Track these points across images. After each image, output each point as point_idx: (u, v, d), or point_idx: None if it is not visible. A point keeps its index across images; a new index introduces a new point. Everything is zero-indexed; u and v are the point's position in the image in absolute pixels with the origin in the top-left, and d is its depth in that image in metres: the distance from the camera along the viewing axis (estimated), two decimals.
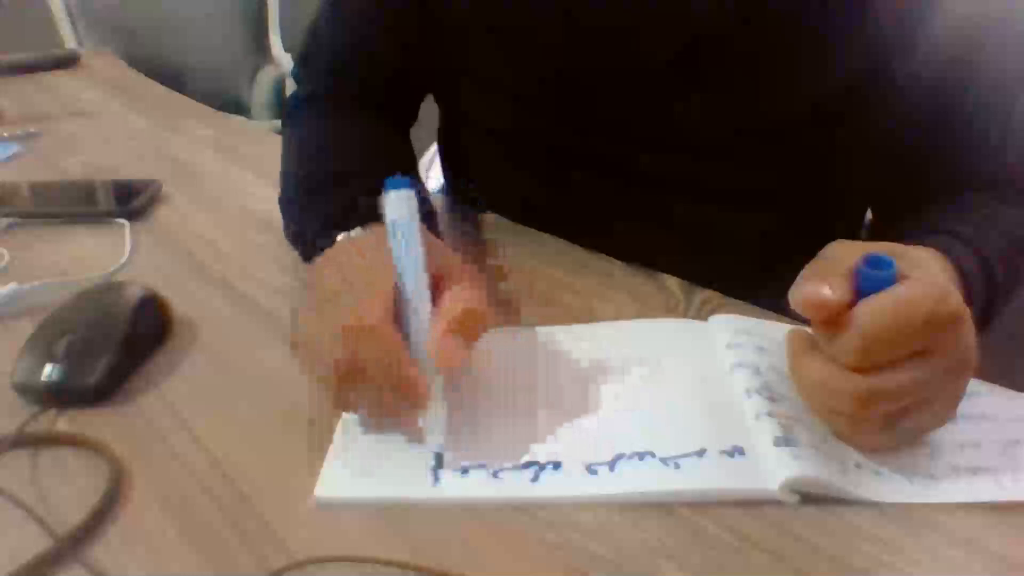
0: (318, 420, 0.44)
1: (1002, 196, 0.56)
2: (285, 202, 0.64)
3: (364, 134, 0.67)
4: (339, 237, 0.50)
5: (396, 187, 0.43)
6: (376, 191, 0.44)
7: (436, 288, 0.43)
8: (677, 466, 0.40)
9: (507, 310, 0.56)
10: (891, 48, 0.55)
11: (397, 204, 0.43)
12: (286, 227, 0.63)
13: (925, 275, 0.39)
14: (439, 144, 0.85)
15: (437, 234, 0.57)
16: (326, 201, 0.57)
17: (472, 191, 0.74)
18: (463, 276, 0.44)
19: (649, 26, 0.58)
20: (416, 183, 0.63)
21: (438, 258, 0.45)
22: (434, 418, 0.41)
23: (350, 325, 0.40)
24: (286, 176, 0.65)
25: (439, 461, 0.41)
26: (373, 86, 0.71)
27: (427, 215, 0.60)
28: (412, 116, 0.75)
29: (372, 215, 0.47)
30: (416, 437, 0.42)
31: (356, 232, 0.49)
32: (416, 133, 0.75)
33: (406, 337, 0.42)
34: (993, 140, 0.57)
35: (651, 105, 0.61)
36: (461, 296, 0.43)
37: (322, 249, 0.49)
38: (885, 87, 0.57)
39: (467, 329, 0.42)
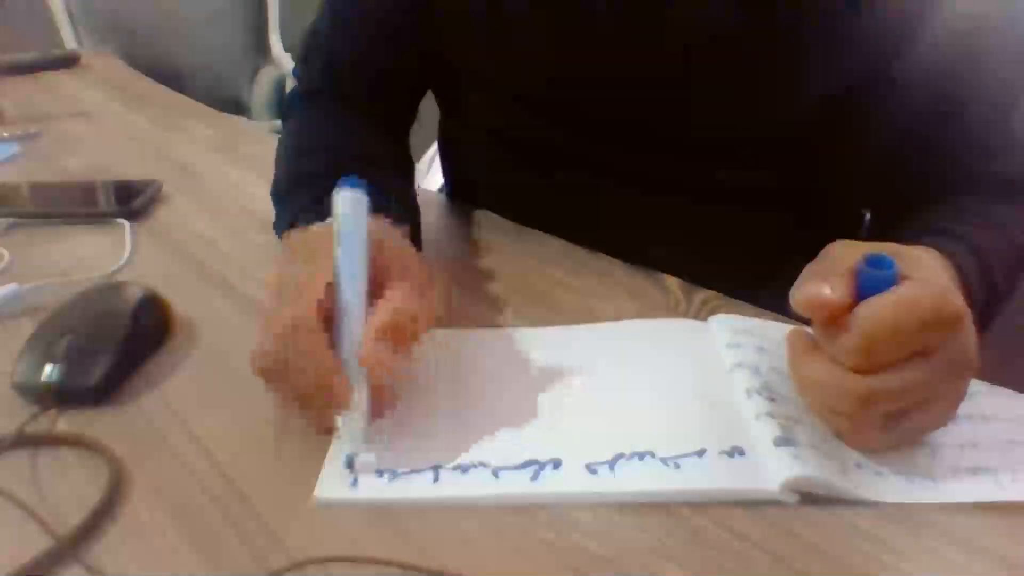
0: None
1: (1002, 198, 0.56)
2: (272, 195, 0.64)
3: (351, 133, 0.68)
4: (308, 229, 0.49)
5: (348, 186, 0.43)
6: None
7: (380, 289, 0.43)
8: (677, 466, 0.40)
9: (497, 311, 0.56)
10: (892, 50, 0.55)
11: (343, 203, 0.43)
12: (273, 223, 0.64)
13: (927, 275, 0.39)
14: (439, 144, 0.85)
15: (416, 235, 0.57)
16: (298, 196, 0.58)
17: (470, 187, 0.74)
18: (405, 279, 0.43)
19: (650, 27, 0.58)
20: (403, 183, 0.62)
21: (389, 260, 0.44)
22: (352, 422, 0.41)
23: (278, 320, 0.40)
24: (276, 170, 0.65)
25: (349, 463, 0.41)
26: (370, 85, 0.71)
27: (411, 215, 0.60)
28: (411, 116, 0.75)
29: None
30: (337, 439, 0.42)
31: (313, 227, 0.49)
32: (416, 133, 0.75)
33: (338, 337, 0.42)
34: (994, 142, 0.57)
35: (652, 106, 0.61)
36: (395, 301, 0.42)
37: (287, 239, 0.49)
38: (884, 89, 0.57)
39: (397, 335, 0.41)
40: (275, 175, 0.65)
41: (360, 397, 0.41)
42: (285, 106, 0.74)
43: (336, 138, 0.67)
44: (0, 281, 0.58)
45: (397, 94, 0.72)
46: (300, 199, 0.57)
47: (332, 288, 0.42)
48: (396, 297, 0.42)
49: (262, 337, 0.41)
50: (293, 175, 0.62)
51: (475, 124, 0.74)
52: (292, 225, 0.52)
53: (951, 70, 0.55)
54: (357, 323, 0.42)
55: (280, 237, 0.59)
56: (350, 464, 0.41)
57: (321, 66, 0.71)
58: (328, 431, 0.42)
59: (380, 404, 0.42)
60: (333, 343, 0.41)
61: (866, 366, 0.37)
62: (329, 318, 0.42)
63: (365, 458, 0.41)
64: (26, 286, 0.57)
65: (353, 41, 0.70)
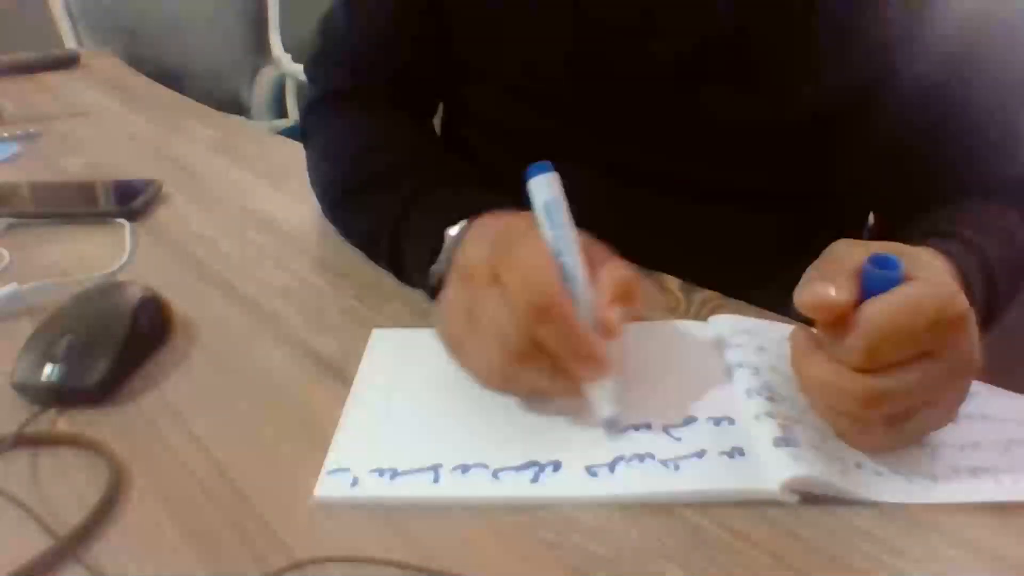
0: (318, 420, 0.44)
1: (1004, 200, 0.56)
2: (335, 205, 0.64)
3: (396, 128, 0.68)
4: (450, 231, 0.51)
5: (541, 171, 0.44)
6: (430, 181, 0.48)
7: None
8: (677, 467, 0.40)
9: None
10: (896, 51, 0.55)
11: (546, 186, 0.44)
12: (345, 231, 0.64)
13: (931, 276, 0.39)
14: (443, 142, 0.84)
15: None
16: (389, 195, 0.58)
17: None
18: (606, 254, 0.45)
19: (656, 26, 0.58)
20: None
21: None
22: (610, 386, 0.43)
23: (533, 305, 0.40)
24: (331, 180, 0.65)
25: (615, 426, 0.42)
26: (389, 82, 0.70)
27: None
28: (431, 109, 0.75)
29: (455, 205, 0.49)
30: (592, 407, 0.43)
31: (462, 224, 0.50)
32: None
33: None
34: (997, 144, 0.57)
35: (656, 105, 0.61)
36: (619, 270, 0.44)
37: (398, 241, 0.52)
38: (889, 90, 0.57)
39: (628, 297, 0.43)
40: (330, 186, 0.65)
41: (612, 360, 0.42)
42: (304, 111, 0.73)
43: (388, 135, 0.67)
44: (0, 281, 0.58)
45: (417, 88, 0.72)
46: (388, 198, 0.58)
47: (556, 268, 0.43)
48: (614, 266, 0.44)
49: (507, 326, 0.41)
50: (363, 177, 0.62)
51: (478, 120, 0.74)
52: (386, 225, 0.55)
53: (957, 72, 0.55)
54: (587, 292, 0.43)
55: (371, 243, 0.61)
56: (611, 425, 0.42)
57: (340, 65, 0.71)
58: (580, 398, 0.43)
59: (620, 363, 0.44)
60: None
61: (870, 366, 0.37)
62: None
63: (618, 416, 0.43)
64: (26, 286, 0.57)
65: (368, 38, 0.69)
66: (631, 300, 0.44)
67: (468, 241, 0.48)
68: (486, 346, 0.42)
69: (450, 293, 0.45)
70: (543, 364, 0.42)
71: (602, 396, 0.43)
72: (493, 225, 0.47)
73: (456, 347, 0.45)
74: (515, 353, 0.41)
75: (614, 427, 0.43)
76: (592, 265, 0.44)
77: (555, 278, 0.41)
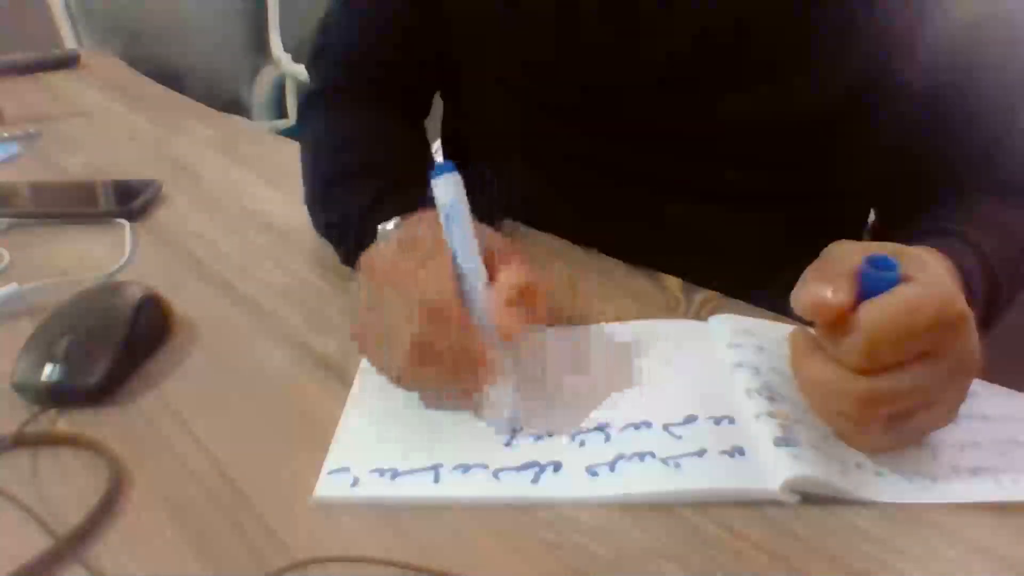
0: (318, 420, 0.44)
1: (1006, 199, 0.56)
2: (312, 198, 0.64)
3: (381, 126, 0.68)
4: (386, 226, 0.51)
5: (443, 171, 0.44)
6: (403, 181, 0.45)
7: (488, 268, 0.45)
8: (677, 466, 0.40)
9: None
10: (894, 50, 0.55)
11: (446, 188, 0.44)
12: (316, 223, 0.64)
13: (930, 276, 0.38)
14: (443, 140, 0.85)
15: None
16: (358, 191, 0.58)
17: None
18: (513, 256, 0.45)
19: (653, 26, 0.58)
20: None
21: (488, 243, 0.46)
22: (504, 391, 0.43)
23: (424, 306, 0.41)
24: (312, 172, 0.65)
25: (513, 431, 0.43)
26: (383, 80, 0.71)
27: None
28: (424, 110, 0.75)
29: (410, 204, 0.48)
30: (484, 411, 0.43)
31: (395, 221, 0.50)
32: None
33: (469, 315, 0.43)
34: (996, 142, 0.57)
35: (655, 106, 0.61)
36: (517, 273, 0.44)
37: (361, 237, 0.50)
38: (888, 89, 0.57)
39: (527, 299, 0.43)
40: (310, 178, 0.65)
41: (504, 364, 0.42)
42: (301, 106, 0.74)
43: (370, 133, 0.67)
44: (0, 281, 0.58)
45: (409, 89, 0.73)
46: (357, 195, 0.58)
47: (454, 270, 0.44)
48: (513, 269, 0.44)
49: (401, 326, 0.41)
50: (337, 171, 0.63)
51: (477, 121, 0.74)
52: (353, 221, 0.55)
53: (958, 71, 0.55)
54: (483, 296, 0.43)
55: (332, 236, 0.61)
56: (509, 429, 0.43)
57: (334, 63, 0.72)
58: (470, 400, 0.44)
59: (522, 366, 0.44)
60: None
61: (869, 367, 0.37)
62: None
63: (515, 417, 0.43)
64: (26, 286, 0.57)
65: (365, 36, 0.70)
66: (531, 303, 0.43)
67: (383, 237, 0.49)
68: (384, 345, 0.43)
69: (356, 288, 0.46)
70: (439, 366, 0.42)
71: (494, 398, 0.43)
72: (412, 224, 0.48)
73: (360, 344, 0.45)
74: (409, 353, 0.41)
75: (505, 430, 0.43)
76: (497, 268, 0.44)
77: (449, 280, 0.42)
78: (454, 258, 0.43)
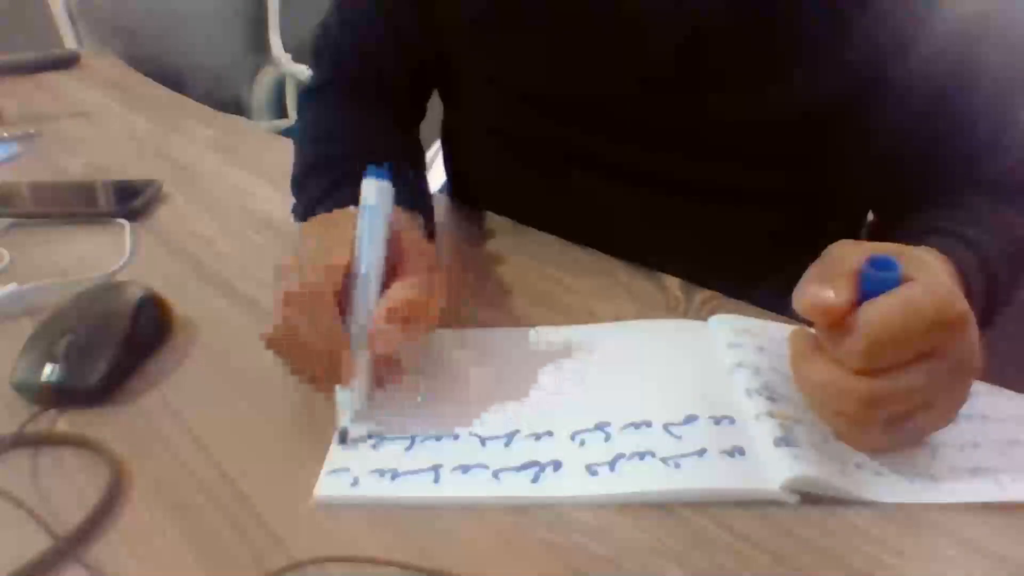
0: (318, 420, 0.44)
1: (1003, 198, 0.56)
2: (292, 182, 0.66)
3: (361, 121, 0.70)
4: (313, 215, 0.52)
5: (375, 174, 0.45)
6: (360, 176, 0.46)
7: (394, 277, 0.45)
8: (677, 466, 0.40)
9: (496, 311, 0.56)
10: (892, 49, 0.55)
11: (370, 190, 0.45)
12: (293, 213, 0.65)
13: (930, 277, 0.38)
14: (442, 140, 0.85)
15: (430, 224, 0.60)
16: (315, 183, 0.60)
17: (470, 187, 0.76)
18: (419, 268, 0.46)
19: (650, 24, 0.58)
20: (414, 173, 0.64)
21: (405, 248, 0.46)
22: (350, 396, 0.43)
23: (291, 291, 0.42)
24: (293, 161, 0.67)
25: (342, 437, 0.42)
26: (376, 81, 0.72)
27: (424, 204, 0.62)
28: (419, 111, 0.76)
29: (353, 198, 0.49)
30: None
31: (335, 212, 0.51)
32: (420, 130, 0.75)
33: (349, 313, 0.44)
34: (994, 142, 0.57)
35: (652, 105, 0.61)
36: (407, 287, 0.44)
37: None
38: (886, 88, 0.57)
39: (408, 319, 0.43)
40: (293, 163, 0.67)
41: (360, 371, 0.42)
42: (299, 99, 0.76)
43: (347, 127, 0.69)
44: (0, 281, 0.58)
45: (403, 90, 0.73)
46: (317, 185, 0.60)
47: (349, 266, 0.44)
48: (409, 284, 0.44)
49: (275, 307, 0.43)
50: (309, 162, 0.65)
51: (479, 121, 0.74)
52: (311, 210, 0.55)
53: (955, 69, 0.55)
54: (370, 300, 0.44)
55: (299, 221, 0.62)
56: (343, 438, 0.42)
57: (331, 62, 0.74)
58: (329, 394, 0.44)
59: (382, 378, 0.45)
60: (342, 318, 0.43)
61: (869, 368, 0.37)
62: (340, 294, 0.44)
63: (356, 431, 0.43)
64: (26, 286, 0.57)
65: (359, 38, 0.71)
66: (411, 321, 0.43)
67: (303, 226, 0.51)
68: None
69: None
70: (299, 350, 0.43)
71: (343, 403, 0.43)
72: (337, 216, 0.49)
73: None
74: (276, 327, 0.43)
75: (344, 438, 0.43)
76: (399, 276, 0.45)
77: (331, 274, 0.43)
78: (356, 258, 0.44)
